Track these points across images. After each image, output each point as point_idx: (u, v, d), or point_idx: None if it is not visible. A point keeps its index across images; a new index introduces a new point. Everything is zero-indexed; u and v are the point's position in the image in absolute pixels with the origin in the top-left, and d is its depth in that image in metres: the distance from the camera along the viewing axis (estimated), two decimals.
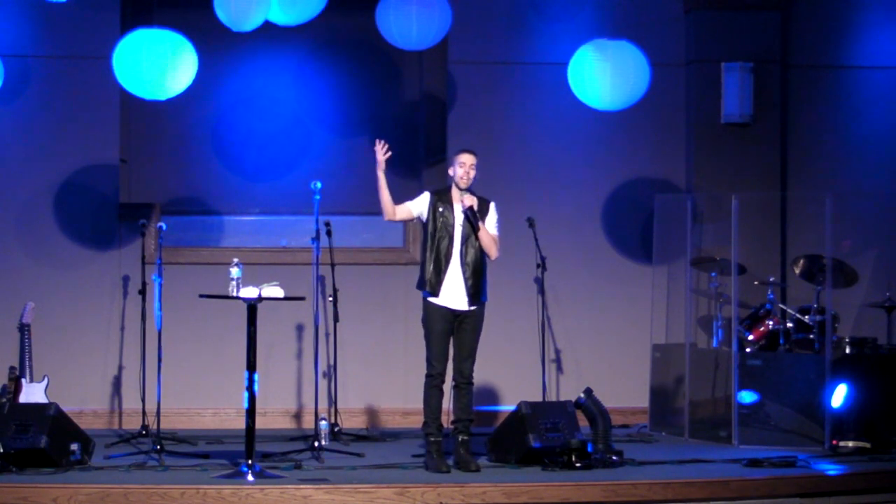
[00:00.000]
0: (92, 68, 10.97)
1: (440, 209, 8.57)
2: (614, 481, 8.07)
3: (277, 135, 11.88)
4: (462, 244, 8.54)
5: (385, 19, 10.12)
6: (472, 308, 8.56)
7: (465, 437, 8.57)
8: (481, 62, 11.65)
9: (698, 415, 10.33)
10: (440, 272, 8.50)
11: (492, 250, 8.61)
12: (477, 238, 8.55)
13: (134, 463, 8.67)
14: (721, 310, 10.62)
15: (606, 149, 11.67)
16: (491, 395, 11.33)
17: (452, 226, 8.55)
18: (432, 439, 8.50)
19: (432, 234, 8.55)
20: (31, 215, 11.17)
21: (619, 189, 11.68)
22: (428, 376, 8.54)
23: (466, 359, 8.57)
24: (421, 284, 8.60)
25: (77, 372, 10.99)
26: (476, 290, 8.54)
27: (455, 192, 8.63)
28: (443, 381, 8.54)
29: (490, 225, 8.65)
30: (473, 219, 8.53)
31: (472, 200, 8.54)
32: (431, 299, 8.54)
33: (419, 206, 8.66)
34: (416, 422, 10.84)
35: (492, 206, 8.70)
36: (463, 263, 8.53)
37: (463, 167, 8.59)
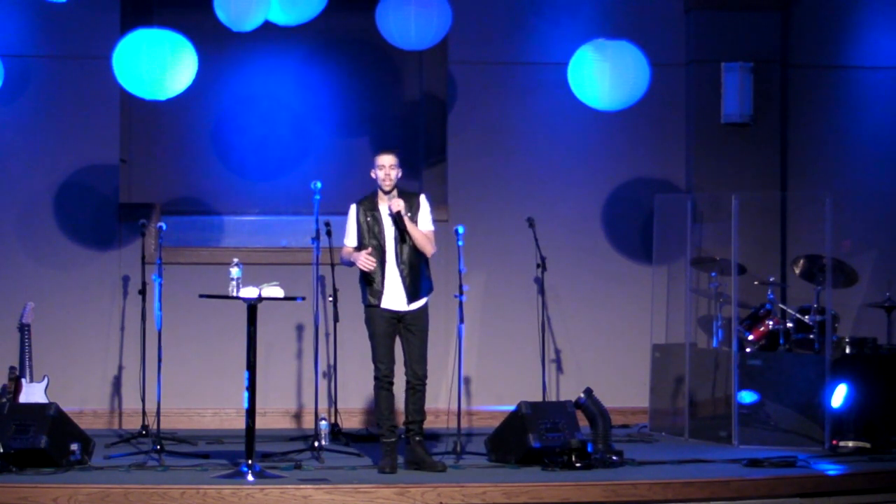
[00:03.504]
0: (92, 68, 10.97)
1: (367, 218, 8.48)
2: (614, 481, 8.07)
3: (277, 135, 11.89)
4: (396, 245, 8.47)
5: (384, 19, 10.13)
6: (414, 308, 8.49)
7: (421, 438, 8.53)
8: (481, 62, 11.65)
9: (698, 415, 10.33)
10: (380, 281, 8.44)
11: (427, 248, 8.53)
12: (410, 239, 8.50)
13: (134, 463, 8.67)
14: (721, 310, 10.61)
15: (606, 149, 11.67)
16: (491, 395, 11.33)
17: (382, 231, 8.47)
18: (386, 440, 8.46)
19: (365, 245, 8.48)
20: (31, 215, 11.17)
21: (619, 189, 11.68)
22: (375, 378, 8.49)
23: (418, 361, 8.50)
24: (361, 296, 8.54)
25: (77, 372, 10.99)
26: (415, 289, 8.48)
27: (381, 195, 8.52)
28: (391, 383, 8.48)
29: (423, 220, 8.54)
30: (402, 224, 8.43)
31: (398, 206, 8.41)
32: (373, 303, 8.48)
33: (353, 224, 8.56)
34: None
35: (422, 199, 8.61)
36: (399, 264, 8.46)
37: (382, 169, 8.47)
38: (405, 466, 8.52)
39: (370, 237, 8.47)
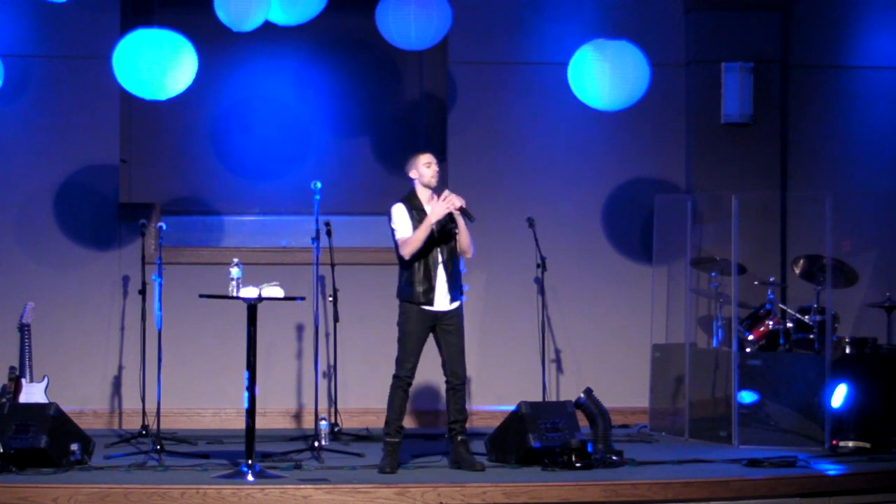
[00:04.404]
0: (92, 68, 10.98)
1: (418, 218, 8.45)
2: (614, 481, 8.07)
3: (277, 135, 11.90)
4: (443, 246, 8.48)
5: (384, 20, 10.13)
6: (453, 307, 8.50)
7: (464, 437, 8.56)
8: (481, 62, 11.65)
9: (698, 415, 10.33)
10: (431, 279, 8.44)
11: (470, 249, 8.56)
12: (454, 237, 8.49)
13: (134, 463, 8.67)
14: (721, 310, 10.61)
15: (606, 149, 11.68)
16: (491, 395, 11.33)
17: (432, 230, 8.47)
18: (391, 440, 8.47)
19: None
20: (31, 215, 11.17)
21: (619, 189, 11.68)
22: (396, 377, 8.47)
23: (458, 361, 8.50)
24: (409, 295, 8.46)
25: (77, 372, 10.99)
26: (456, 288, 8.51)
27: (423, 195, 8.50)
28: (409, 384, 8.48)
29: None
30: (467, 217, 8.48)
31: (460, 200, 8.43)
32: (419, 305, 8.44)
33: (406, 219, 8.45)
34: (416, 422, 10.90)
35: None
36: (444, 264, 8.48)
37: (430, 167, 8.48)
38: (449, 466, 8.56)
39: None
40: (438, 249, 8.47)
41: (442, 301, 8.47)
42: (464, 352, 8.57)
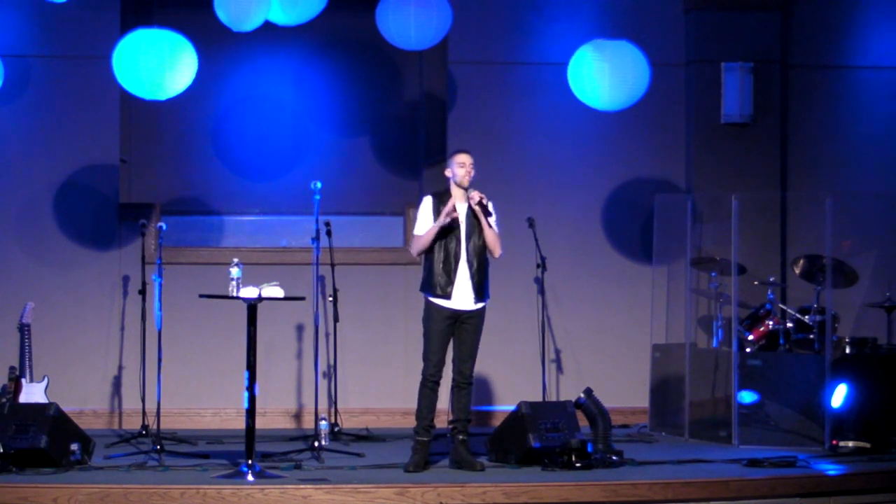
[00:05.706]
0: (92, 68, 10.98)
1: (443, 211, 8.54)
2: (614, 481, 8.07)
3: (277, 135, 11.90)
4: (467, 242, 8.52)
5: (384, 19, 10.14)
6: (476, 307, 8.53)
7: (465, 437, 8.56)
8: (481, 62, 11.65)
9: (698, 415, 10.33)
10: (451, 273, 8.47)
11: (496, 248, 8.59)
12: (481, 235, 8.52)
13: (134, 463, 8.67)
14: (721, 310, 10.61)
15: (606, 149, 11.68)
16: (491, 395, 11.34)
17: (458, 226, 8.52)
18: (419, 438, 8.49)
19: (439, 236, 8.51)
20: (31, 215, 11.17)
21: (619, 189, 11.68)
22: (422, 375, 8.51)
23: (468, 359, 8.55)
24: (428, 288, 8.52)
25: (77, 372, 10.99)
26: (480, 288, 8.51)
27: (456, 192, 8.58)
28: (436, 383, 8.50)
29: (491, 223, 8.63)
30: (485, 213, 8.51)
31: (480, 195, 8.50)
32: (438, 301, 8.50)
33: (428, 215, 8.56)
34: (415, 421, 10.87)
35: (490, 205, 8.66)
36: (468, 262, 8.50)
37: (463, 167, 8.56)
38: (449, 466, 8.56)
39: (447, 232, 8.48)
40: (463, 246, 8.50)
41: (464, 300, 8.49)
42: (476, 354, 8.59)
